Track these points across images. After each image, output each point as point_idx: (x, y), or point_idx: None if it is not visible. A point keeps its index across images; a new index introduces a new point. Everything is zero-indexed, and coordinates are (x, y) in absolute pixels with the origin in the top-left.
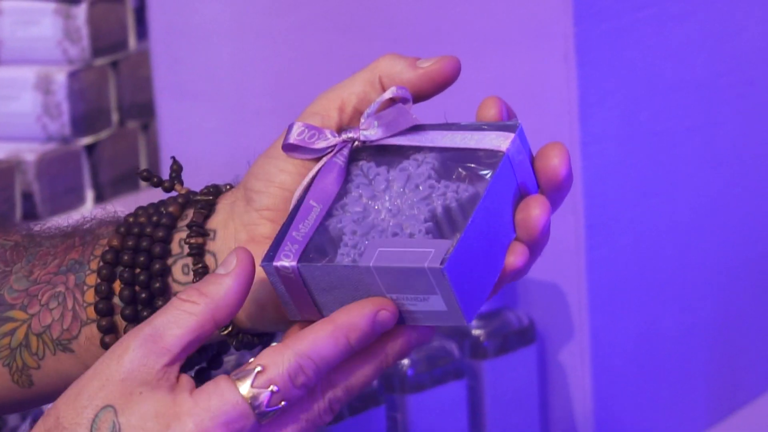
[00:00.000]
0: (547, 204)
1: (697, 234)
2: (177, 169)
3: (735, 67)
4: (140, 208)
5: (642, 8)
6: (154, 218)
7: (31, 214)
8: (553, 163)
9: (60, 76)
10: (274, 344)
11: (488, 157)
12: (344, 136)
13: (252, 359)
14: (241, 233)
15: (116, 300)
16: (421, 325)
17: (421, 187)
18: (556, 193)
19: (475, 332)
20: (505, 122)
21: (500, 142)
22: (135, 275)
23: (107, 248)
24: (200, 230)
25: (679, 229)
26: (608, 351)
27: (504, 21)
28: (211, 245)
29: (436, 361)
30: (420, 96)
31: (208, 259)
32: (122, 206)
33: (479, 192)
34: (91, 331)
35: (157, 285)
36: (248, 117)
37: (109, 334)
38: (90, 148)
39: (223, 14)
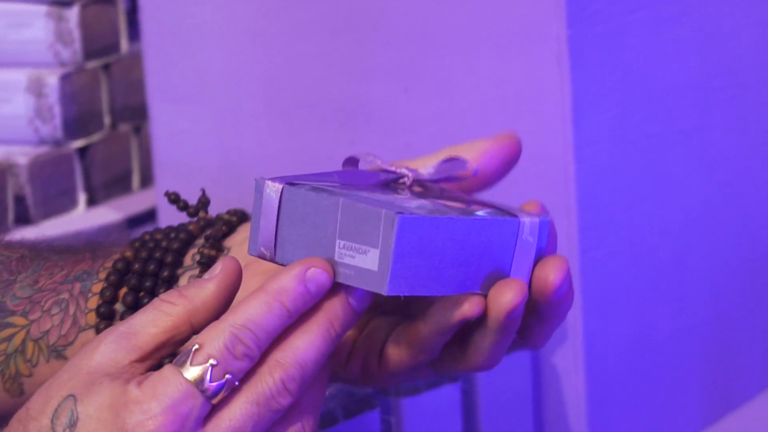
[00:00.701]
0: (522, 286)
1: (691, 237)
2: (205, 201)
3: (728, 69)
4: (158, 229)
5: (635, 10)
6: (172, 234)
7: (23, 218)
8: (548, 275)
9: (52, 79)
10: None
11: (510, 211)
12: (402, 170)
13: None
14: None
15: (119, 306)
16: (351, 285)
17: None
18: (548, 308)
19: None
20: (539, 214)
21: (523, 216)
22: (142, 281)
23: (119, 258)
24: (216, 244)
25: (673, 232)
26: (602, 354)
27: (497, 24)
28: (219, 255)
29: None
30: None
31: None
32: (114, 209)
33: (473, 218)
34: (87, 337)
35: (162, 291)
36: (241, 120)
37: None
38: (82, 151)
39: (216, 17)
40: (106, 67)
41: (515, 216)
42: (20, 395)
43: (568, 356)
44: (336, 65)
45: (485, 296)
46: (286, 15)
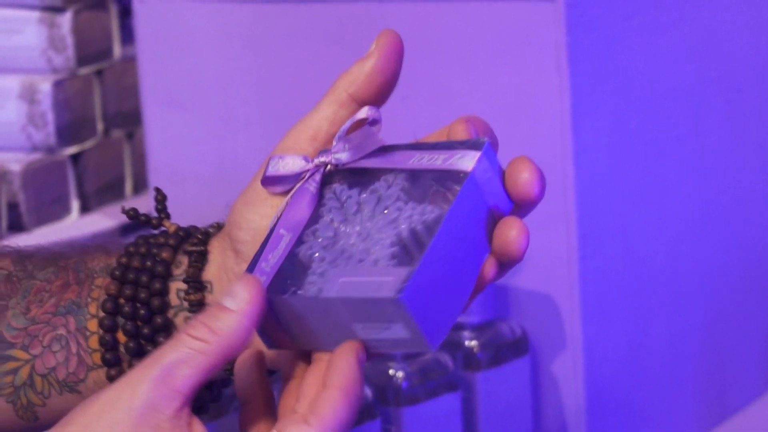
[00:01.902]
0: (523, 226)
1: (687, 243)
2: (162, 200)
3: (723, 75)
4: (133, 245)
5: (632, 17)
6: (148, 263)
7: (16, 225)
8: (524, 178)
9: (45, 86)
10: (294, 414)
11: (454, 177)
12: (316, 161)
13: (275, 430)
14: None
15: (122, 348)
16: (390, 352)
17: (388, 210)
18: (530, 206)
19: (469, 344)
20: (474, 140)
21: (467, 162)
22: (138, 327)
23: (105, 296)
24: (198, 285)
25: (669, 239)
26: (601, 361)
27: (495, 31)
28: (208, 297)
29: (430, 373)
30: (387, 83)
31: None
32: (108, 216)
33: (443, 214)
34: (99, 375)
35: (161, 340)
36: (236, 126)
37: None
38: (75, 158)
39: (211, 23)
40: (99, 73)
41: (464, 170)
42: (35, 421)
43: (567, 364)
44: (332, 72)
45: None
46: (281, 22)
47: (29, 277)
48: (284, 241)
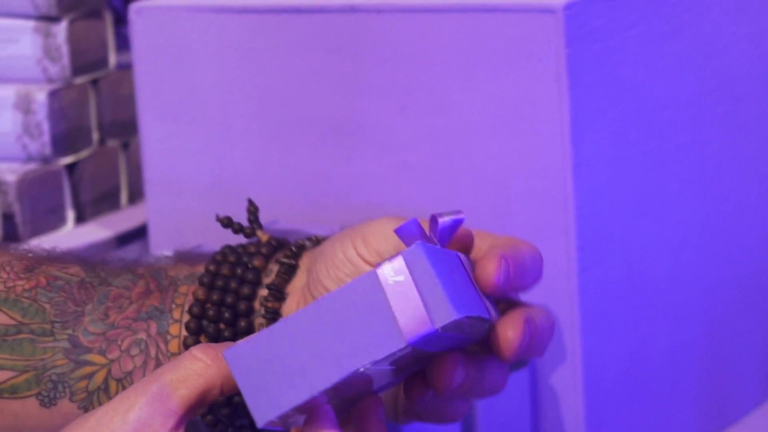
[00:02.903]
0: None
1: (688, 253)
2: (254, 211)
3: (723, 85)
4: (220, 254)
5: (632, 27)
6: (239, 271)
7: (12, 236)
8: (488, 270)
9: (40, 96)
10: None
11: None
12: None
13: None
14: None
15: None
16: None
17: None
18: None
19: None
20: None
21: (384, 262)
22: (220, 331)
23: (193, 301)
24: (279, 294)
25: (670, 249)
26: (600, 373)
27: (494, 42)
28: (284, 307)
29: None
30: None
31: None
32: (103, 226)
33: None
34: None
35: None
36: (234, 138)
37: None
38: (70, 168)
39: (208, 33)
40: (95, 83)
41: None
42: None
43: (566, 376)
44: (331, 83)
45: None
46: (281, 32)
47: (104, 284)
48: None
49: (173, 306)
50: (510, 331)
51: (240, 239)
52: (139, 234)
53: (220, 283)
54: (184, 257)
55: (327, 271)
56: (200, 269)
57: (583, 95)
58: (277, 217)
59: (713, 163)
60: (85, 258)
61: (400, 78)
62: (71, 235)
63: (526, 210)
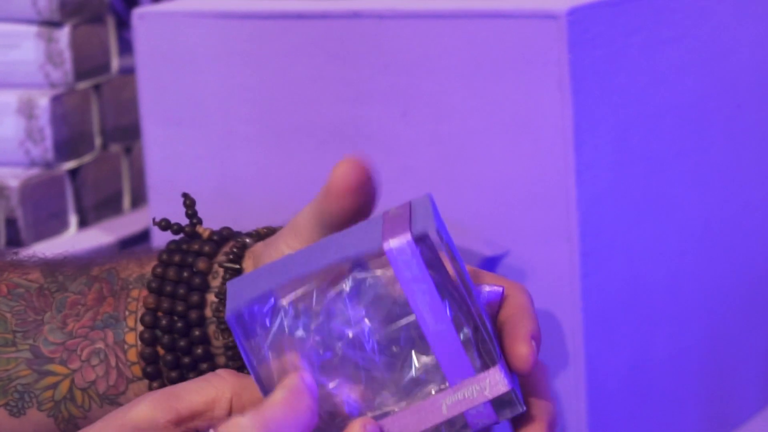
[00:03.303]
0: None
1: (690, 258)
2: (191, 204)
3: (724, 90)
4: (165, 252)
5: (633, 33)
6: (185, 274)
7: (15, 241)
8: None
9: (43, 101)
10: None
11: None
12: None
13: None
14: None
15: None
16: None
17: None
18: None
19: None
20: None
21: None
22: (175, 341)
23: (144, 310)
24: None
25: (673, 254)
26: (603, 378)
27: (497, 47)
28: None
29: None
30: (353, 213)
31: None
32: (106, 230)
33: None
34: (139, 388)
35: (199, 352)
36: (236, 143)
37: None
38: (73, 173)
39: (211, 39)
40: (97, 88)
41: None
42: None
43: (569, 381)
44: (333, 89)
45: None
46: (282, 38)
47: (62, 290)
48: None
49: (127, 313)
50: (523, 350)
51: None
52: (141, 239)
53: (168, 288)
54: (135, 255)
55: None
56: (149, 269)
57: (585, 100)
58: (280, 222)
59: (715, 168)
60: (47, 260)
61: (402, 83)
62: (74, 239)
63: (529, 215)
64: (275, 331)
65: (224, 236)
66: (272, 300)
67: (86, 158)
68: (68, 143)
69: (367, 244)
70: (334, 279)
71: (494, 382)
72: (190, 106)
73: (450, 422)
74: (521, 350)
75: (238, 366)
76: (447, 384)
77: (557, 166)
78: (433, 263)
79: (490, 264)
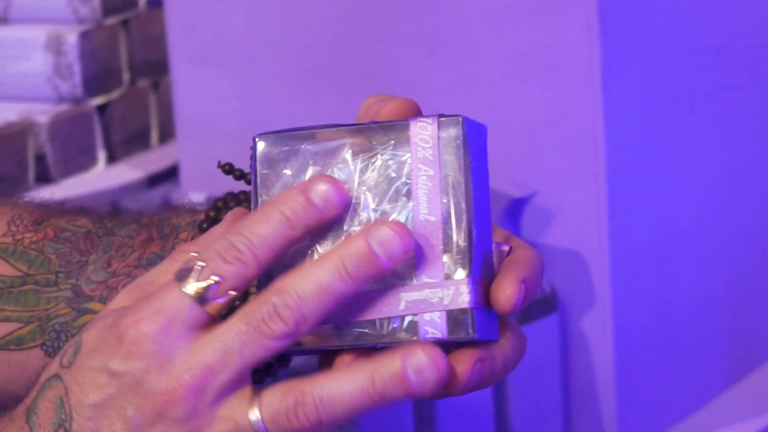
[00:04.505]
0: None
1: (716, 199)
2: (237, 170)
3: (751, 30)
4: (221, 200)
5: None
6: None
7: (44, 177)
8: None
9: (71, 37)
10: None
11: None
12: None
13: None
14: None
15: None
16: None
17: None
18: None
19: None
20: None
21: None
22: None
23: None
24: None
25: (698, 195)
26: (629, 318)
27: None
28: None
29: None
30: None
31: None
32: (134, 166)
33: None
34: None
35: None
36: (264, 83)
37: None
38: (101, 108)
39: None
40: (125, 23)
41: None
42: None
43: (596, 321)
44: (361, 29)
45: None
46: None
47: (110, 234)
48: None
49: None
50: (508, 289)
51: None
52: (170, 174)
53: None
54: (190, 206)
55: None
56: (202, 216)
57: (613, 42)
58: None
59: (741, 109)
60: (95, 210)
61: (430, 24)
62: (102, 175)
63: (557, 157)
64: (290, 173)
65: None
66: (299, 145)
67: (114, 94)
68: (96, 79)
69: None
70: (360, 148)
71: (457, 295)
72: (219, 44)
73: (403, 322)
74: (507, 290)
75: None
76: (414, 281)
77: (585, 108)
78: (450, 154)
79: (518, 205)
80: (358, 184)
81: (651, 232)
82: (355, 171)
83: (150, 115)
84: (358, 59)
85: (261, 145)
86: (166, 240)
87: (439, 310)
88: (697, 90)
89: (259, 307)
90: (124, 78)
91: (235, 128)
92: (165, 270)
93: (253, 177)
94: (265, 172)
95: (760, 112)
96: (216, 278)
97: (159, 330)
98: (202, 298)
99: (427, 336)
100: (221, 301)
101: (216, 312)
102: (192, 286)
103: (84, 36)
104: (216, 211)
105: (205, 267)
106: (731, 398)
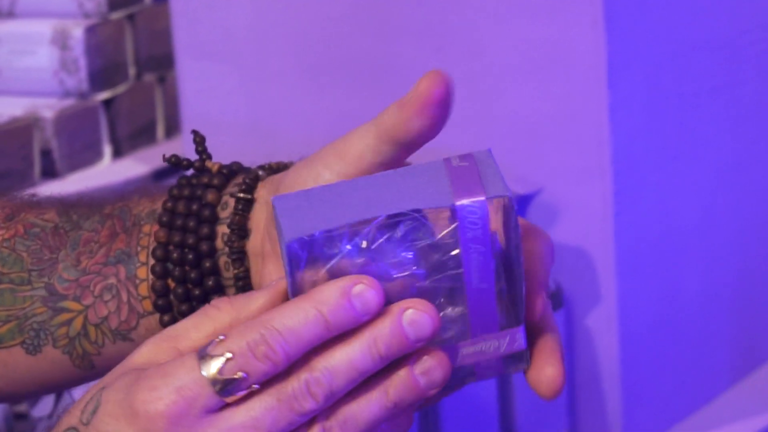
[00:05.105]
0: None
1: (722, 194)
2: (201, 141)
3: (757, 25)
4: (175, 187)
5: None
6: (194, 207)
7: (50, 172)
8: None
9: (77, 31)
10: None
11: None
12: None
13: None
14: (265, 244)
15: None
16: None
17: None
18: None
19: None
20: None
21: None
22: (186, 273)
23: (155, 244)
24: (241, 232)
25: (704, 190)
26: (634, 314)
27: None
28: (246, 244)
29: None
30: (425, 129)
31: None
32: (140, 160)
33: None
34: (149, 323)
35: (210, 283)
36: (270, 77)
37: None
38: (107, 103)
39: None
40: (131, 18)
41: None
42: (91, 370)
43: (601, 317)
44: (367, 25)
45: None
46: None
47: (76, 228)
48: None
49: (139, 248)
50: (549, 369)
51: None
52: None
53: (179, 222)
54: (147, 191)
55: None
56: (160, 205)
57: (619, 37)
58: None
59: (748, 104)
60: (61, 200)
61: (436, 19)
62: (108, 170)
63: (563, 153)
64: (330, 265)
65: (233, 170)
66: (332, 233)
67: (120, 88)
68: (102, 73)
69: (436, 196)
70: (391, 218)
71: (513, 341)
72: (224, 38)
73: (459, 368)
74: (537, 305)
75: None
76: (468, 336)
77: (591, 104)
78: (499, 225)
79: (524, 201)
80: (399, 260)
81: (656, 228)
82: (389, 248)
83: (156, 109)
84: (364, 55)
85: (295, 235)
86: (130, 234)
87: (496, 357)
88: (703, 85)
89: (291, 383)
90: (130, 72)
91: (241, 122)
92: (193, 327)
93: (287, 259)
94: (298, 275)
95: (766, 108)
96: (242, 374)
97: (176, 412)
98: (224, 390)
99: (485, 376)
100: (242, 393)
101: (234, 400)
102: (216, 376)
103: (90, 31)
104: (173, 200)
105: (233, 359)
106: (737, 395)
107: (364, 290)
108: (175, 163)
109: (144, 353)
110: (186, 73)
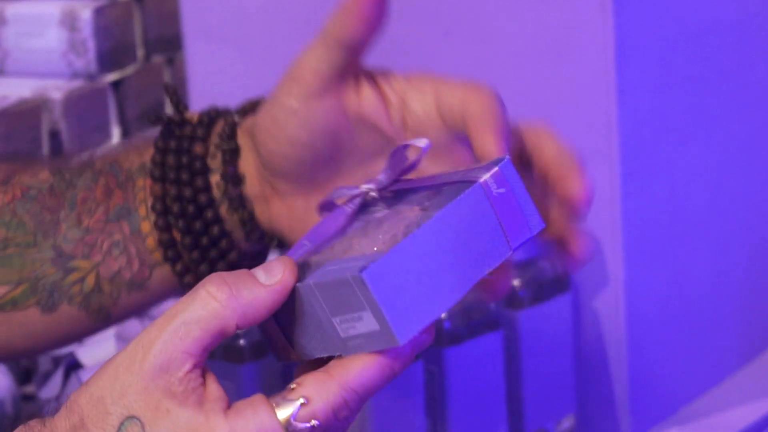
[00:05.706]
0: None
1: (730, 179)
2: (174, 92)
3: (766, 8)
4: (159, 140)
5: None
6: (184, 159)
7: (58, 153)
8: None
9: (85, 13)
10: (317, 372)
11: (464, 186)
12: (363, 188)
13: (294, 384)
14: (264, 186)
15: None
16: (367, 351)
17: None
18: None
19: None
20: (497, 158)
21: (481, 174)
22: (190, 223)
23: (152, 198)
24: (236, 180)
25: (712, 175)
26: (642, 298)
27: None
28: (245, 189)
29: (472, 312)
30: (368, 25)
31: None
32: None
33: (436, 214)
34: (162, 273)
35: (215, 232)
36: (278, 61)
37: (186, 275)
38: (116, 84)
39: None
40: None
41: (473, 181)
42: (108, 320)
43: (609, 301)
44: None
45: (491, 276)
46: None
47: (71, 187)
48: (304, 248)
49: (137, 203)
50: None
51: None
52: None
53: (171, 175)
54: (132, 144)
55: (276, 143)
56: (149, 157)
57: (627, 20)
58: None
59: (757, 88)
60: (52, 160)
61: (444, 4)
62: None
63: (570, 136)
64: None
65: (212, 117)
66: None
67: (128, 70)
68: (111, 55)
69: (498, 248)
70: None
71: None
72: (232, 20)
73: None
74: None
75: (256, 239)
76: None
77: (598, 88)
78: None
79: None
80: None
81: (664, 211)
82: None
83: (164, 91)
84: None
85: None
86: (125, 189)
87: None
88: (712, 68)
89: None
90: (139, 54)
91: None
92: (197, 324)
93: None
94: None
95: None
96: (315, 422)
97: None
98: None
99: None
100: None
101: None
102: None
103: (98, 12)
104: (160, 153)
105: (319, 427)
106: (744, 378)
107: (427, 340)
108: (154, 121)
109: (155, 364)
110: (194, 55)
